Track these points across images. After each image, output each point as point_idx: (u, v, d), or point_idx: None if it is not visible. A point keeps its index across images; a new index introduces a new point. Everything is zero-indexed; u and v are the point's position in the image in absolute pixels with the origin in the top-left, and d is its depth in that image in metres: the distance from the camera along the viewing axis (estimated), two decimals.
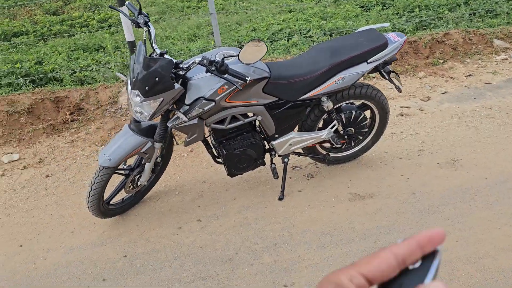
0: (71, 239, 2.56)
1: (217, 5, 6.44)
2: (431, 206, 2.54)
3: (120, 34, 5.55)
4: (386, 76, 2.64)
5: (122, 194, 2.69)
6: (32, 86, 4.17)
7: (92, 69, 4.41)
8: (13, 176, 3.26)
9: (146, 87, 2.09)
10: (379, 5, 5.85)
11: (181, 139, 3.40)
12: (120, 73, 2.51)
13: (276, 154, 2.68)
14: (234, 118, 2.43)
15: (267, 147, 2.67)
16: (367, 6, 5.95)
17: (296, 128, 2.69)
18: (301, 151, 2.83)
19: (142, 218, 2.69)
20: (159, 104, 2.16)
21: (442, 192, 2.65)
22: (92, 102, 3.91)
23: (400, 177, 2.82)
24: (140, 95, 2.13)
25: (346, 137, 2.81)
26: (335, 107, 2.64)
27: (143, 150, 2.38)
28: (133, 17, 2.30)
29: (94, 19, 6.26)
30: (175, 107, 2.26)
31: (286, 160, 2.73)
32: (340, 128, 2.73)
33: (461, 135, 3.23)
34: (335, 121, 2.68)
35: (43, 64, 4.57)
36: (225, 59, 2.13)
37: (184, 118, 2.23)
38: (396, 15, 5.55)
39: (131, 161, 2.64)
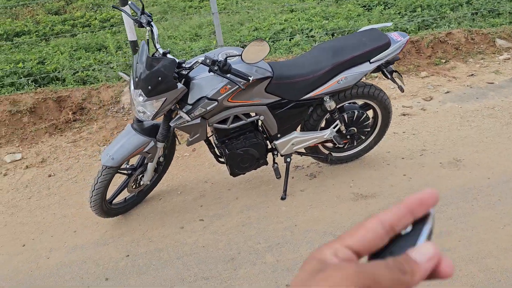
0: (74, 239, 2.57)
1: (219, 4, 6.44)
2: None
3: (122, 34, 5.55)
4: (389, 76, 2.64)
5: (125, 194, 2.69)
6: (35, 85, 4.18)
7: (94, 68, 4.42)
8: (15, 175, 3.27)
9: (149, 87, 2.09)
10: (381, 5, 5.85)
11: (183, 138, 3.40)
12: (123, 72, 2.51)
13: (279, 154, 2.68)
14: (236, 118, 2.43)
15: (269, 146, 2.67)
16: (369, 6, 5.94)
17: (299, 127, 2.69)
18: (304, 151, 2.83)
19: (145, 217, 2.69)
20: (162, 104, 2.16)
21: (444, 191, 2.65)
22: (94, 101, 3.92)
23: (403, 177, 2.82)
24: (143, 95, 2.13)
25: (348, 136, 2.81)
26: (337, 106, 2.63)
27: (145, 149, 2.38)
28: (136, 17, 2.30)
29: (96, 18, 6.27)
30: (178, 107, 2.27)
31: (288, 159, 2.73)
32: (343, 128, 2.73)
33: (464, 135, 3.22)
34: (338, 120, 2.67)
35: (45, 63, 4.57)
36: (228, 58, 2.13)
37: (187, 118, 2.23)
38: (398, 14, 5.55)
39: (134, 161, 2.64)
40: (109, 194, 2.58)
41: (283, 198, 2.72)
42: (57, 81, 4.30)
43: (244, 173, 2.64)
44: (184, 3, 6.89)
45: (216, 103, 2.24)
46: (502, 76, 4.17)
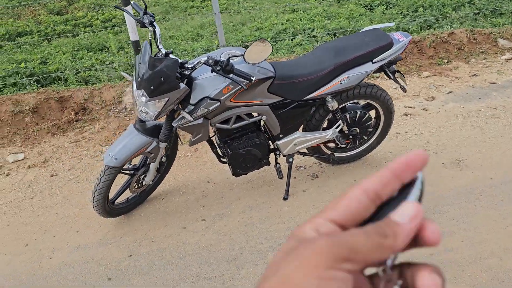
0: (77, 239, 2.57)
1: (220, 4, 6.44)
2: (436, 206, 2.54)
3: (123, 34, 5.56)
4: (391, 76, 2.63)
5: (127, 194, 2.69)
6: (37, 85, 4.18)
7: (96, 69, 4.42)
8: (18, 175, 3.27)
9: (152, 87, 2.09)
10: (383, 5, 5.84)
11: (185, 138, 3.40)
12: (125, 72, 2.52)
13: (281, 154, 2.68)
14: (239, 118, 2.43)
15: (272, 147, 2.67)
16: (371, 6, 5.94)
17: (301, 128, 2.69)
18: (306, 151, 2.83)
19: (147, 217, 2.69)
20: (165, 104, 2.16)
21: (447, 192, 2.65)
22: (96, 101, 3.92)
23: None
24: (146, 95, 2.13)
25: (351, 137, 2.81)
26: (340, 106, 2.63)
27: (148, 149, 2.38)
28: (139, 17, 2.30)
29: (98, 19, 6.28)
30: (180, 107, 2.27)
31: (290, 160, 2.73)
32: (345, 128, 2.73)
33: (466, 135, 3.22)
34: (340, 121, 2.67)
35: (48, 64, 4.58)
36: (230, 59, 2.13)
37: (189, 118, 2.23)
38: (400, 14, 5.54)
39: (136, 161, 2.64)
40: (111, 194, 2.58)
41: (285, 198, 2.72)
42: (59, 81, 4.31)
43: (246, 173, 2.64)
44: (186, 3, 6.89)
45: (219, 103, 2.24)
46: (505, 76, 4.16)
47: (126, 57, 4.73)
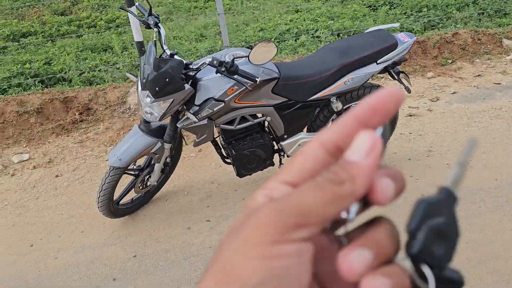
0: (81, 239, 2.58)
1: (224, 5, 6.44)
2: None
3: (127, 35, 5.57)
4: (396, 77, 2.63)
5: (132, 194, 2.70)
6: (41, 86, 4.20)
7: (100, 69, 4.44)
8: (23, 176, 3.29)
9: (157, 88, 2.10)
10: (387, 5, 5.83)
11: (189, 139, 3.41)
12: (130, 73, 2.52)
13: (285, 155, 2.68)
14: (243, 119, 2.43)
15: (276, 147, 2.67)
16: (374, 6, 5.93)
17: (305, 128, 2.69)
18: None
19: (152, 218, 2.70)
20: (169, 105, 2.17)
21: None
22: (100, 102, 3.94)
23: (409, 178, 2.81)
24: (151, 96, 2.14)
25: None
26: (344, 107, 2.63)
27: (153, 150, 2.39)
28: (144, 18, 2.31)
29: (101, 19, 6.30)
30: (185, 108, 2.27)
31: None
32: None
33: (471, 136, 3.20)
34: None
35: (52, 64, 4.60)
36: (235, 60, 2.14)
37: (194, 119, 2.24)
38: (404, 14, 5.53)
39: (141, 162, 2.65)
40: (116, 195, 2.59)
41: None
42: (64, 82, 4.33)
43: (250, 174, 2.65)
44: (189, 3, 6.90)
45: (223, 104, 2.24)
46: (509, 77, 4.14)
47: (130, 58, 4.74)
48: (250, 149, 2.47)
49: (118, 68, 4.46)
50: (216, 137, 2.60)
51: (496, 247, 2.22)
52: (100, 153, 3.47)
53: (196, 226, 2.58)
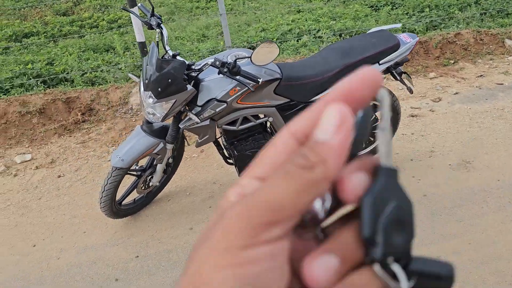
0: (84, 239, 2.59)
1: (225, 5, 6.45)
2: (443, 208, 2.53)
3: (129, 35, 5.58)
4: (398, 77, 2.63)
5: (134, 195, 2.70)
6: (44, 86, 4.21)
7: (102, 69, 4.44)
8: (25, 176, 3.29)
9: (159, 89, 2.10)
10: (389, 5, 5.83)
11: (191, 139, 3.41)
12: (132, 74, 2.53)
13: None
14: (245, 119, 2.43)
15: None
16: (376, 6, 5.92)
17: None
18: None
19: (154, 218, 2.70)
20: (172, 106, 2.17)
21: (454, 194, 2.64)
22: (103, 102, 3.94)
23: (411, 178, 2.81)
24: (153, 97, 2.14)
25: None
26: None
27: (155, 151, 2.39)
28: (146, 19, 2.31)
29: (103, 19, 6.30)
30: (187, 109, 2.28)
31: None
32: None
33: (473, 136, 3.21)
34: None
35: (54, 65, 4.61)
36: (237, 60, 2.14)
37: (196, 120, 2.24)
38: (406, 15, 5.52)
39: (143, 162, 2.65)
40: (118, 195, 2.59)
41: None
42: (66, 82, 4.34)
43: None
44: (191, 3, 6.91)
45: (225, 105, 2.24)
46: None
47: (132, 58, 4.75)
48: (252, 150, 2.47)
49: (120, 69, 4.47)
50: (218, 138, 2.60)
51: (499, 248, 2.21)
52: (102, 154, 3.48)
53: (199, 227, 2.59)
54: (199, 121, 2.25)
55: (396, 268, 0.25)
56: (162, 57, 2.20)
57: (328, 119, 0.25)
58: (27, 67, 4.41)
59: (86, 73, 4.40)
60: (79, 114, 3.86)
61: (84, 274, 2.34)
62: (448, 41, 4.64)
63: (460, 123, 3.41)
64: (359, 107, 0.26)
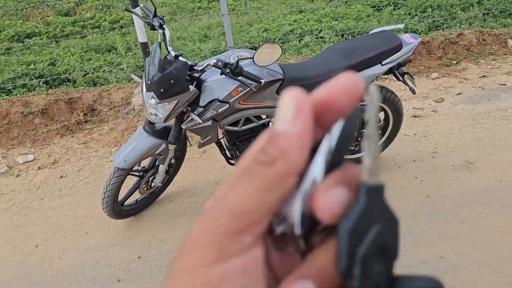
0: (86, 240, 2.59)
1: (227, 5, 6.45)
2: (446, 209, 2.52)
3: (131, 35, 5.58)
4: (400, 78, 2.62)
5: (136, 195, 2.70)
6: (46, 87, 4.21)
7: (104, 70, 4.45)
8: (28, 176, 3.30)
9: (161, 89, 2.10)
10: (391, 5, 5.82)
11: (194, 140, 3.41)
12: (134, 74, 2.53)
13: None
14: (248, 120, 2.43)
15: None
16: (378, 6, 5.91)
17: None
18: None
19: (156, 219, 2.70)
20: (174, 106, 2.17)
21: (457, 194, 2.63)
22: (105, 103, 3.95)
23: (414, 179, 2.80)
24: (155, 97, 2.14)
25: (359, 139, 2.80)
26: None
27: (157, 151, 2.39)
28: (148, 20, 2.31)
29: (105, 20, 6.31)
30: (190, 109, 2.27)
31: None
32: None
33: (476, 137, 3.20)
34: None
35: (56, 65, 4.62)
36: (239, 61, 2.14)
37: (199, 120, 2.24)
38: (408, 15, 5.51)
39: (145, 163, 2.65)
40: (120, 196, 2.59)
41: None
42: (68, 83, 4.34)
43: None
44: (193, 4, 6.91)
45: (228, 105, 2.24)
46: None
47: (134, 59, 4.75)
48: None
49: (122, 69, 4.47)
50: (221, 138, 2.60)
51: (502, 249, 2.21)
52: (105, 154, 3.48)
53: None
54: (201, 121, 2.25)
55: None
56: (164, 58, 2.20)
57: (285, 108, 0.23)
58: (29, 67, 4.42)
59: (88, 73, 4.41)
60: (81, 114, 3.86)
61: (87, 274, 2.34)
62: (451, 42, 4.63)
63: (463, 124, 3.40)
64: (339, 117, 0.24)
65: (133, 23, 4.09)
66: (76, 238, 2.61)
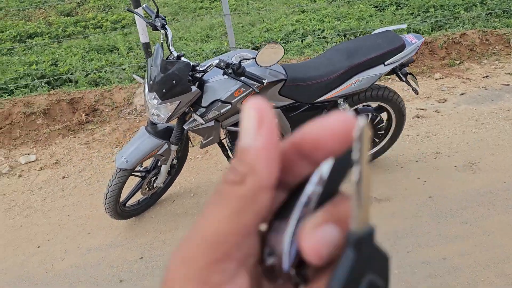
0: (88, 240, 2.59)
1: (229, 5, 6.44)
2: (449, 210, 2.51)
3: (133, 35, 5.58)
4: (403, 78, 2.61)
5: (138, 196, 2.70)
6: (48, 87, 4.22)
7: (106, 70, 4.45)
8: (30, 177, 3.30)
9: (164, 90, 2.10)
10: (394, 5, 5.80)
11: (196, 140, 3.41)
12: (136, 75, 2.53)
13: None
14: None
15: None
16: (381, 6, 5.90)
17: None
18: None
19: (158, 220, 2.70)
20: (176, 107, 2.16)
21: (459, 195, 2.62)
22: (107, 103, 3.95)
23: (417, 180, 2.79)
24: (158, 98, 2.14)
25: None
26: (351, 109, 2.62)
27: (159, 152, 2.39)
28: (151, 20, 2.31)
29: (107, 20, 6.31)
30: (192, 110, 2.27)
31: None
32: None
33: (479, 138, 3.18)
34: None
35: (58, 65, 4.62)
36: (242, 61, 2.13)
37: (201, 121, 2.24)
38: (411, 15, 5.50)
39: (147, 163, 2.65)
40: (123, 196, 2.59)
41: None
42: (70, 83, 4.34)
43: None
44: (195, 4, 6.90)
45: (230, 106, 2.23)
46: None
47: (136, 59, 4.75)
48: None
49: (124, 69, 4.47)
50: (223, 139, 2.60)
51: (505, 250, 2.20)
52: (107, 155, 3.48)
53: None
54: (203, 122, 2.25)
55: None
56: (166, 58, 2.19)
57: (247, 122, 0.22)
58: (31, 67, 4.43)
59: (90, 73, 4.41)
60: (83, 115, 3.87)
61: (89, 275, 2.34)
62: (454, 42, 4.62)
63: (466, 124, 3.39)
64: (328, 156, 0.23)
65: (135, 23, 4.08)
66: (78, 239, 2.61)
